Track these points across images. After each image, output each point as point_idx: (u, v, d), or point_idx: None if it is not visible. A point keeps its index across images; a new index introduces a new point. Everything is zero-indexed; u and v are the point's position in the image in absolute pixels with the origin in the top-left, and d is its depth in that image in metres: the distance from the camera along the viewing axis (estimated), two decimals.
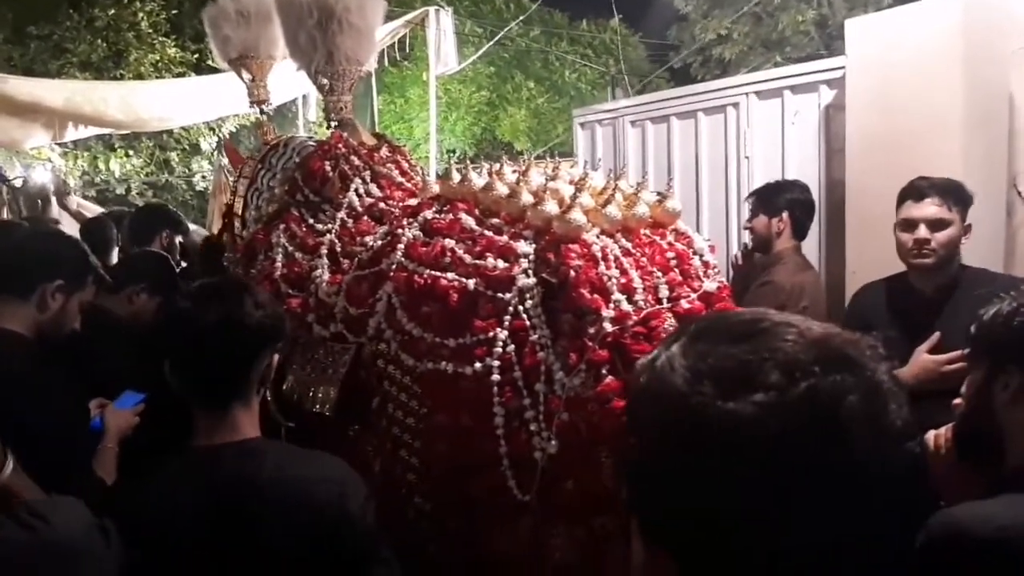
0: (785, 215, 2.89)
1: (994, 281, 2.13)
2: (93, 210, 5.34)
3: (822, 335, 0.59)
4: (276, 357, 1.40)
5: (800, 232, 2.94)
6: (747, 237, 3.12)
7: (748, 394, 0.55)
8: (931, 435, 1.41)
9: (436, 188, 1.90)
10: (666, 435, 0.59)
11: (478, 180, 1.77)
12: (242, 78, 2.89)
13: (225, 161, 7.54)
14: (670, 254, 1.54)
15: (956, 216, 2.16)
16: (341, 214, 2.13)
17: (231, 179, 3.04)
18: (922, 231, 2.16)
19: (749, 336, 0.59)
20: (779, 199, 2.92)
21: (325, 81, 2.38)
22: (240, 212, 2.55)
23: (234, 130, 9.89)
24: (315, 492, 1.26)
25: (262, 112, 2.94)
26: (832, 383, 0.55)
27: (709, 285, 1.51)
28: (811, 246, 3.17)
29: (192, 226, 4.61)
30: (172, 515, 1.21)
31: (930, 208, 2.16)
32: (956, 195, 2.17)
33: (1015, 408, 1.17)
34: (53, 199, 5.01)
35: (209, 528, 1.20)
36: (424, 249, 1.69)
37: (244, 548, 1.21)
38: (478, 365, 1.49)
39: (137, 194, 9.86)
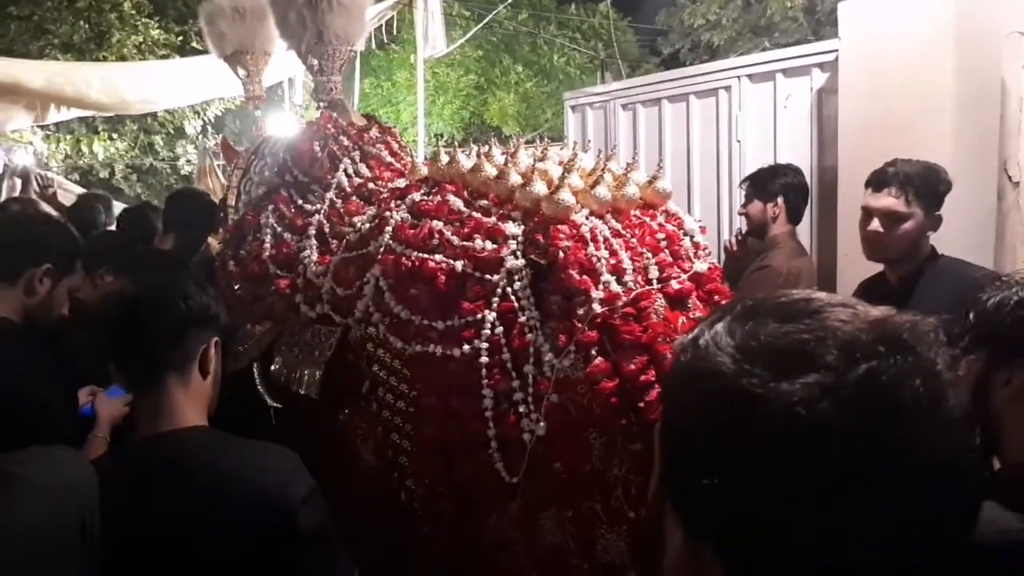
0: (780, 200, 2.89)
1: (962, 272, 2.04)
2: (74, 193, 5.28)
3: (881, 316, 0.55)
4: (215, 340, 1.35)
5: (795, 216, 2.94)
6: (742, 223, 3.11)
7: (803, 375, 0.51)
8: None
9: (424, 170, 1.88)
10: (712, 419, 0.55)
11: (466, 162, 1.75)
12: (237, 74, 2.88)
13: (210, 144, 7.46)
14: (660, 235, 1.53)
15: (917, 209, 2.06)
16: (330, 194, 2.10)
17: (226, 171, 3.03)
18: (875, 224, 2.09)
19: (803, 315, 0.55)
20: (773, 184, 2.91)
21: (315, 61, 2.35)
22: (234, 203, 2.52)
23: (219, 114, 9.79)
24: (257, 483, 1.22)
25: (256, 108, 2.93)
26: (894, 366, 0.51)
27: (699, 266, 1.50)
28: (803, 229, 3.18)
29: None
30: (114, 509, 1.16)
31: (885, 199, 2.07)
32: (921, 186, 2.06)
33: (1015, 405, 1.11)
34: (33, 182, 4.94)
35: (151, 520, 1.17)
36: (412, 231, 1.67)
37: (187, 540, 1.17)
38: (466, 347, 1.48)
39: (121, 178, 9.75)
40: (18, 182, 5.14)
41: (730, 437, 0.53)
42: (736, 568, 0.55)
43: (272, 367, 1.90)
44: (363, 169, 2.17)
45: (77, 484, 1.13)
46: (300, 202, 2.15)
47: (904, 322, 0.54)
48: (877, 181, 2.12)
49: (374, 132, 2.29)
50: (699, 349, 0.57)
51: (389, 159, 2.21)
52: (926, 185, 2.07)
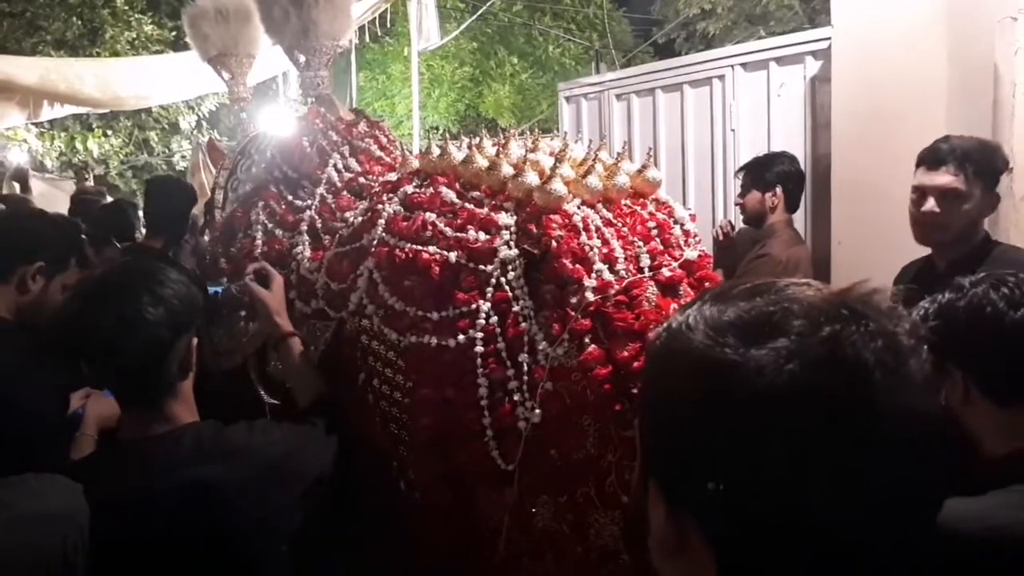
0: (778, 189, 2.90)
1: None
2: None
3: (841, 289, 0.58)
4: (195, 341, 1.34)
5: (792, 204, 2.95)
6: (737, 212, 3.12)
7: (772, 340, 0.53)
8: None
9: (416, 163, 1.88)
10: (689, 391, 0.57)
11: (458, 154, 1.75)
12: (222, 77, 2.86)
13: (203, 139, 7.44)
14: (651, 223, 1.54)
15: (977, 188, 1.91)
16: (320, 190, 2.10)
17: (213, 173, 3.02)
18: (930, 204, 1.93)
19: (767, 291, 0.58)
20: (770, 173, 2.92)
21: (301, 57, 2.35)
22: (221, 203, 2.52)
23: (214, 109, 9.76)
24: (237, 486, 1.24)
25: (241, 110, 2.92)
26: (856, 331, 0.54)
27: (690, 253, 1.51)
28: (797, 217, 3.19)
29: None
30: (105, 513, 1.16)
31: (943, 177, 1.91)
32: (981, 163, 1.91)
33: (968, 407, 1.16)
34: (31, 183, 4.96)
35: (143, 523, 1.17)
36: (405, 223, 1.68)
37: (175, 541, 1.18)
38: (461, 337, 1.48)
39: (116, 175, 9.73)
40: (16, 186, 5.14)
41: (706, 405, 0.55)
42: (719, 538, 0.56)
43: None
44: (353, 164, 2.17)
45: (62, 514, 1.12)
46: (290, 198, 2.15)
47: (863, 293, 0.57)
48: (932, 158, 1.95)
49: (363, 126, 2.28)
50: (672, 331, 0.60)
51: (379, 153, 2.21)
52: (985, 161, 1.93)
